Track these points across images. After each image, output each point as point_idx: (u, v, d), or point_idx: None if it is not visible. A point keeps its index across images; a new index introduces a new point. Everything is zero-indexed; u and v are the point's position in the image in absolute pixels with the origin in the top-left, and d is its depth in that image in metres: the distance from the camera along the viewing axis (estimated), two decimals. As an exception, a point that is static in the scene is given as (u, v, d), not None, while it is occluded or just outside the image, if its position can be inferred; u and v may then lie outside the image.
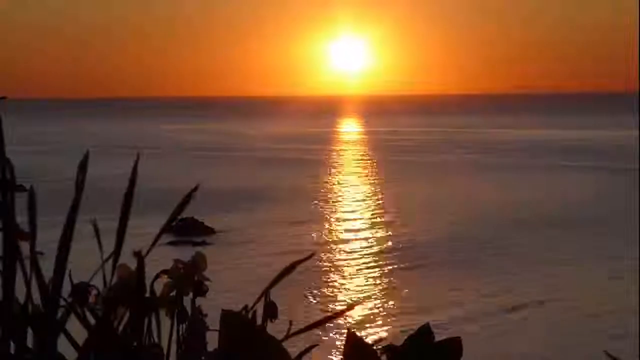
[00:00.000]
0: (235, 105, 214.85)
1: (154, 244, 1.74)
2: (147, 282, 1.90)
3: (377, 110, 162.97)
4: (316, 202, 30.85)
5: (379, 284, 18.53)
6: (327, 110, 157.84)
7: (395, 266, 20.12)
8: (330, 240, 23.35)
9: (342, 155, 54.67)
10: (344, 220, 27.10)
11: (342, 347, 2.18)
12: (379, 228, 25.44)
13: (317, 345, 2.10)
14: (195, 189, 1.74)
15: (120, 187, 1.76)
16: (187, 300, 2.13)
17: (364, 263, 20.52)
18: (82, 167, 1.70)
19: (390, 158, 50.98)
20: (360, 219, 27.39)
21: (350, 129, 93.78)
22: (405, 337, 2.18)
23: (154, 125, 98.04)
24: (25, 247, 1.73)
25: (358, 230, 25.07)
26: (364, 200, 32.13)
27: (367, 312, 16.13)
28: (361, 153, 56.94)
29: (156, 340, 1.96)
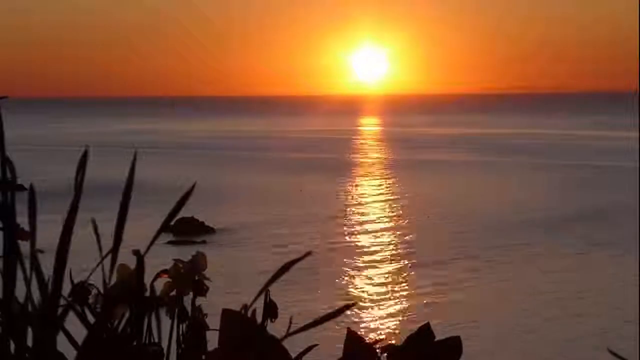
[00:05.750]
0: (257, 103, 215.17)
1: (152, 242, 1.74)
2: (147, 282, 1.90)
3: (382, 110, 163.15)
4: (315, 201, 30.87)
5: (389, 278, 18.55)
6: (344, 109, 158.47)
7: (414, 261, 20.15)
8: (328, 239, 23.36)
9: (345, 155, 54.68)
10: (343, 218, 27.12)
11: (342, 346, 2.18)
12: (382, 224, 25.51)
13: (317, 344, 2.09)
14: (193, 187, 1.74)
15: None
16: (187, 300, 2.13)
17: (373, 259, 20.55)
18: (81, 166, 1.70)
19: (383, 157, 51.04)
20: (363, 214, 27.44)
21: (351, 126, 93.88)
22: (406, 337, 2.18)
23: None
24: (25, 246, 1.73)
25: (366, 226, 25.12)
26: (361, 195, 32.18)
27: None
28: (354, 151, 56.98)
29: (156, 339, 1.96)
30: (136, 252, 1.76)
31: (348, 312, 15.15)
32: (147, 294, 1.91)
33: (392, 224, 26.33)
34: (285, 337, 1.89)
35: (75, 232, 1.72)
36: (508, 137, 70.07)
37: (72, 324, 1.80)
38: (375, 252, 21.94)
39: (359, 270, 19.76)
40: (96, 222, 1.79)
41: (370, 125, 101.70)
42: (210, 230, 24.19)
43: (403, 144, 62.93)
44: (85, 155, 1.68)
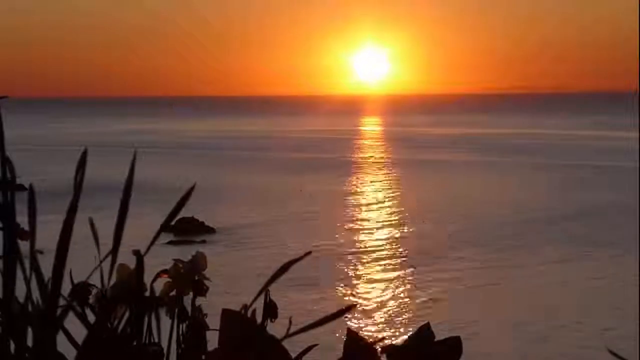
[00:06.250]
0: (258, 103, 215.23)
1: (152, 242, 1.74)
2: (147, 282, 1.90)
3: (383, 110, 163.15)
4: (315, 201, 30.85)
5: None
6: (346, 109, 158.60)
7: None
8: (328, 239, 23.36)
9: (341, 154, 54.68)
10: (344, 218, 27.11)
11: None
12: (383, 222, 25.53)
13: (317, 344, 2.09)
14: (193, 188, 1.74)
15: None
16: (187, 300, 2.13)
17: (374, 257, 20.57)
18: (81, 165, 1.70)
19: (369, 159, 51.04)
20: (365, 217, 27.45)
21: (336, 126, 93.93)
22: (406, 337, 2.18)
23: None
24: (24, 246, 1.73)
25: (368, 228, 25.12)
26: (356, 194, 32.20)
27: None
28: (339, 150, 57.00)
29: (156, 339, 1.96)
30: (136, 252, 1.76)
31: (347, 312, 15.14)
32: (147, 294, 1.91)
33: (392, 223, 26.32)
34: (285, 337, 1.89)
35: (75, 232, 1.72)
36: (509, 137, 70.08)
37: (72, 323, 1.80)
38: (376, 251, 21.93)
39: (358, 270, 19.76)
40: (96, 222, 1.79)
41: (371, 125, 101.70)
42: (210, 230, 24.17)
43: (404, 143, 62.94)
44: (84, 156, 1.68)
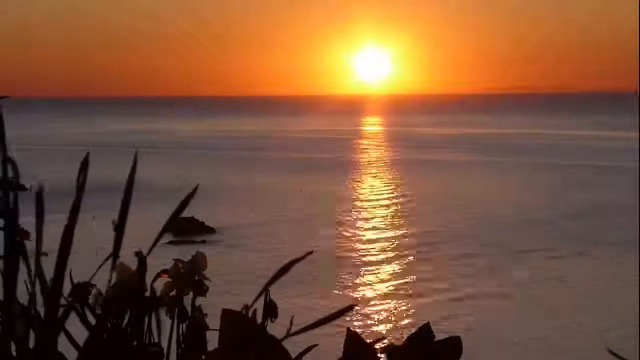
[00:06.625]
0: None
1: (155, 243, 1.75)
2: (147, 282, 1.91)
3: (384, 110, 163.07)
4: (316, 201, 30.85)
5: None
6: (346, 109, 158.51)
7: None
8: (328, 239, 23.35)
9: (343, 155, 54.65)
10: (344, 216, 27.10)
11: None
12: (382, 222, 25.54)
13: (317, 345, 2.10)
14: (195, 190, 1.74)
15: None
16: (187, 300, 2.14)
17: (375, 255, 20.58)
18: (83, 167, 1.70)
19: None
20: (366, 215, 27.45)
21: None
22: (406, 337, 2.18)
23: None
24: (26, 246, 1.73)
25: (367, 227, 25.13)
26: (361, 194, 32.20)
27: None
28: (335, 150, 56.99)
29: (156, 339, 1.97)
30: (138, 254, 1.77)
31: (348, 312, 15.13)
32: (147, 294, 1.92)
33: (392, 223, 26.33)
34: (286, 337, 1.89)
35: (75, 233, 1.72)
36: (510, 137, 70.07)
37: (72, 324, 1.80)
38: (376, 252, 21.93)
39: (359, 270, 19.76)
40: (94, 222, 1.79)
41: (372, 125, 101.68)
42: (210, 230, 24.16)
43: (405, 143, 62.94)
44: (86, 159, 1.69)
